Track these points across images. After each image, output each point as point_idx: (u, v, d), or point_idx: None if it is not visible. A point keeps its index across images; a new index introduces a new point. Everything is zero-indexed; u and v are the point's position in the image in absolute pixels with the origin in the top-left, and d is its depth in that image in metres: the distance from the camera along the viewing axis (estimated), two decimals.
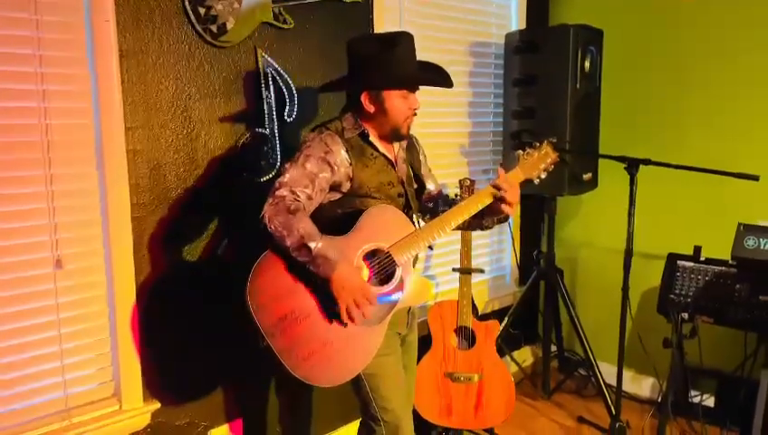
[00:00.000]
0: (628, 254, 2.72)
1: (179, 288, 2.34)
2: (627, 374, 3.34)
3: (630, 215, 2.68)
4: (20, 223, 1.98)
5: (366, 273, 1.94)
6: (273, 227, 1.81)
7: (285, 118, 2.52)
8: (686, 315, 2.82)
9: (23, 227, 1.99)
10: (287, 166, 1.92)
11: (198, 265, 2.38)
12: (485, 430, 3.03)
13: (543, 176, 2.12)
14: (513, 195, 2.02)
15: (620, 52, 3.41)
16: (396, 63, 1.96)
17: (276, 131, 2.49)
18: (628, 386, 3.44)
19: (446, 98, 3.16)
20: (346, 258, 1.86)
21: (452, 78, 2.08)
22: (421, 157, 2.28)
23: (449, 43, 3.24)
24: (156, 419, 2.30)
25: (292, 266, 1.86)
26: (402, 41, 1.97)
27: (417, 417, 2.39)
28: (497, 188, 2.01)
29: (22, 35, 1.92)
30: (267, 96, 2.45)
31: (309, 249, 1.79)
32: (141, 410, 2.24)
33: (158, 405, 2.29)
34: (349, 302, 1.84)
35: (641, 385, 3.53)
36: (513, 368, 3.69)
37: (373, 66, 1.96)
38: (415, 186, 2.23)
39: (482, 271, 3.01)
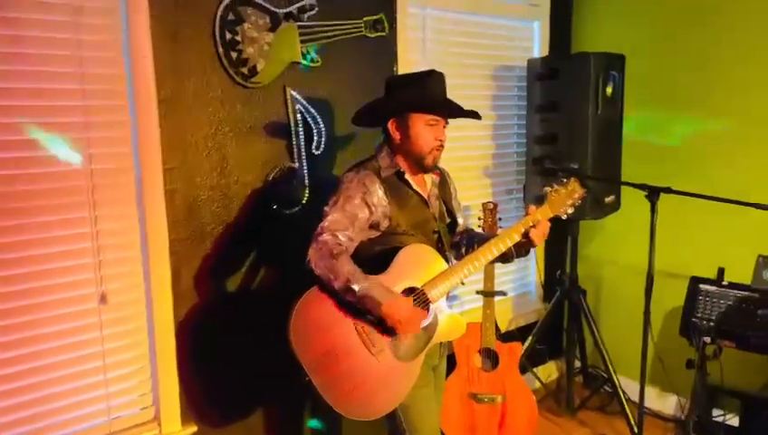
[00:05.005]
0: (650, 279, 2.74)
1: (215, 317, 2.47)
2: (651, 391, 3.37)
3: (652, 241, 2.69)
4: (68, 262, 2.12)
5: None
6: (319, 271, 1.90)
7: (313, 151, 2.62)
8: (708, 339, 2.86)
9: (70, 266, 2.13)
10: (327, 209, 1.99)
11: (233, 295, 2.50)
12: None
13: (570, 211, 2.18)
14: (543, 229, 2.10)
15: (643, 75, 3.41)
16: (423, 90, 2.05)
17: (305, 165, 2.60)
18: (652, 403, 3.47)
19: (472, 121, 3.21)
20: (389, 292, 1.93)
21: (477, 102, 2.14)
22: (452, 190, 2.33)
23: (472, 69, 3.30)
24: None
25: (336, 305, 1.94)
26: (432, 74, 2.07)
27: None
28: (530, 226, 2.09)
29: (70, 89, 2.07)
30: (296, 132, 2.56)
31: (354, 291, 1.88)
32: (180, 433, 2.38)
33: (195, 428, 2.42)
34: (407, 330, 1.95)
35: (665, 403, 3.53)
36: (537, 384, 3.75)
37: (401, 94, 2.06)
38: (448, 220, 2.27)
39: (504, 293, 3.08)
